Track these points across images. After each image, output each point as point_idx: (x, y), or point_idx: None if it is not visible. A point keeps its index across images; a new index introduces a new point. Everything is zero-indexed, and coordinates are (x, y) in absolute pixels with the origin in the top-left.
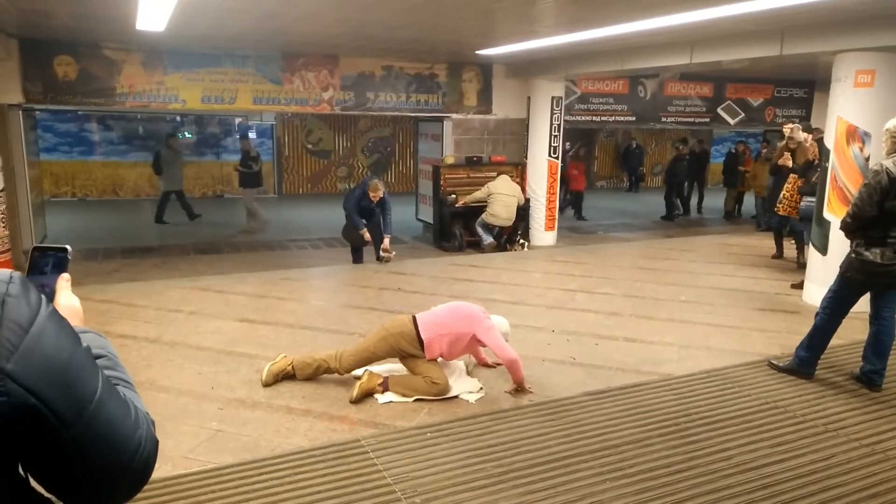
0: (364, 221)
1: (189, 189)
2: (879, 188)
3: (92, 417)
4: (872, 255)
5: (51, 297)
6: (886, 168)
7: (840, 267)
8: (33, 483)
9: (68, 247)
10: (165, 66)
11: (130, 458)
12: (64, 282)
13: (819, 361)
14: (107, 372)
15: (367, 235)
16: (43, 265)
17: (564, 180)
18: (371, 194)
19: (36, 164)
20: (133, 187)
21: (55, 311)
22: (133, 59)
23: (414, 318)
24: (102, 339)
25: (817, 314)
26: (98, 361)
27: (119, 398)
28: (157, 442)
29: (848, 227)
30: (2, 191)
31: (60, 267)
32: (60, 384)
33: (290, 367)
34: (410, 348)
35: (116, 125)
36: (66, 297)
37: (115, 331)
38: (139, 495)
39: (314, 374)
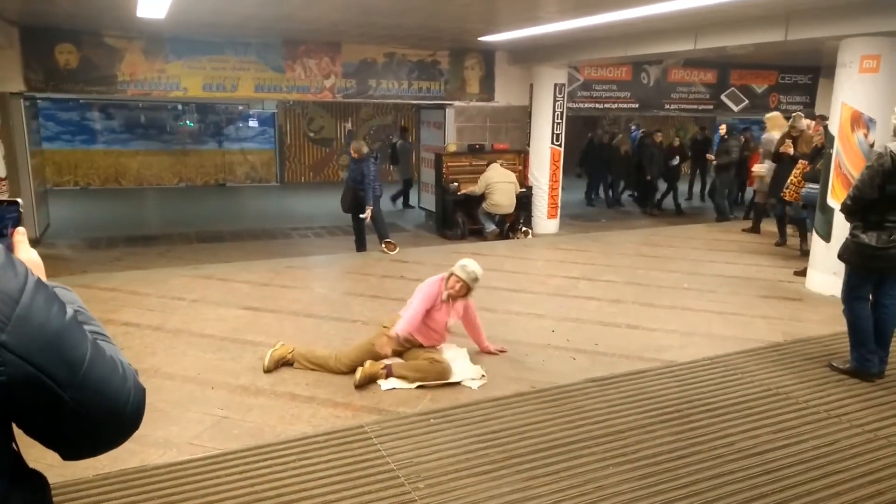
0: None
1: (191, 177)
2: (882, 171)
3: (85, 377)
4: (868, 238)
5: None
6: (891, 151)
7: (839, 252)
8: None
9: (19, 200)
10: (167, 54)
11: (122, 408)
12: (20, 236)
13: (873, 355)
14: (85, 328)
15: (349, 201)
16: (2, 227)
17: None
18: (351, 148)
19: (38, 152)
20: (135, 176)
21: (40, 279)
22: (134, 47)
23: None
24: (70, 293)
25: (843, 311)
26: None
27: (106, 356)
28: (143, 390)
29: (848, 210)
30: (4, 179)
31: (15, 224)
32: (54, 350)
33: (290, 355)
34: (405, 343)
35: (118, 113)
36: (25, 252)
37: (119, 318)
38: (149, 482)
39: (313, 368)
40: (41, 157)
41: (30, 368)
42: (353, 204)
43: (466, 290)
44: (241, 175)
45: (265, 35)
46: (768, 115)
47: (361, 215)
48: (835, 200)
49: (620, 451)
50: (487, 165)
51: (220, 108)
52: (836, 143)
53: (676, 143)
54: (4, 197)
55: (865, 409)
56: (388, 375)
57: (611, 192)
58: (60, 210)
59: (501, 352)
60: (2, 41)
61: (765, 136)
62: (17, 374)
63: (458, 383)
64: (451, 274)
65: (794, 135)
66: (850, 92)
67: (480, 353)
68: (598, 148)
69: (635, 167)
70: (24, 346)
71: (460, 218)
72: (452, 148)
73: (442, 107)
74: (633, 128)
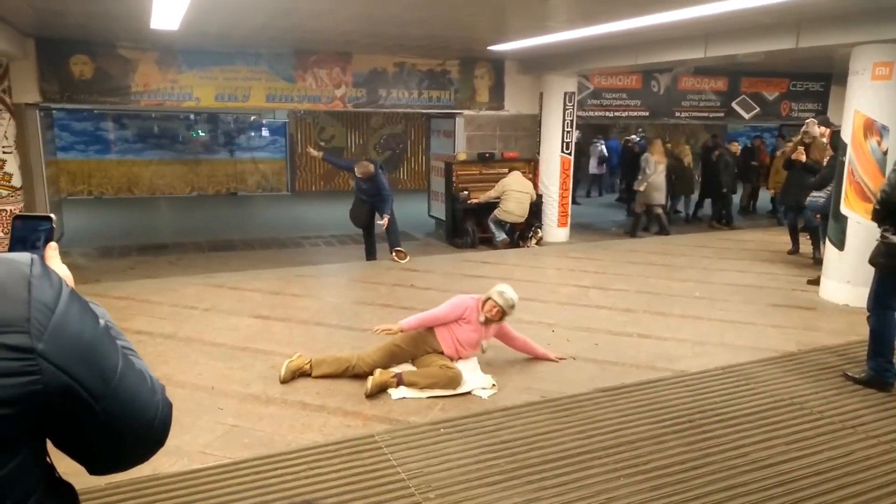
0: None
1: (203, 186)
2: None
3: (117, 389)
4: None
5: None
6: None
7: (869, 257)
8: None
9: (52, 215)
10: (179, 65)
11: (151, 421)
12: (52, 251)
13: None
14: (117, 342)
15: (365, 215)
16: (35, 240)
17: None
18: (357, 172)
19: (53, 162)
20: (148, 185)
21: (74, 290)
22: (148, 58)
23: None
24: (100, 308)
25: (868, 318)
26: None
27: (136, 368)
28: (170, 405)
29: (877, 215)
30: (20, 189)
31: (48, 239)
32: (87, 360)
33: (307, 366)
34: (431, 340)
35: (132, 124)
36: (57, 266)
37: (131, 327)
38: (160, 491)
39: (334, 371)
40: (56, 167)
41: (65, 378)
42: (370, 219)
43: (502, 315)
44: (252, 184)
45: (276, 45)
46: (651, 139)
47: (379, 221)
48: (848, 208)
49: (632, 462)
50: (509, 172)
51: (232, 117)
52: (849, 151)
53: (735, 148)
54: (37, 212)
55: (881, 419)
56: (398, 384)
57: (676, 207)
58: (74, 219)
59: (560, 359)
60: (17, 53)
61: (644, 156)
62: (53, 382)
63: (468, 393)
64: (489, 298)
65: (806, 141)
66: (863, 99)
67: (491, 363)
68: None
69: (707, 179)
70: (60, 354)
71: (470, 226)
72: (462, 157)
73: (452, 116)
74: (638, 136)
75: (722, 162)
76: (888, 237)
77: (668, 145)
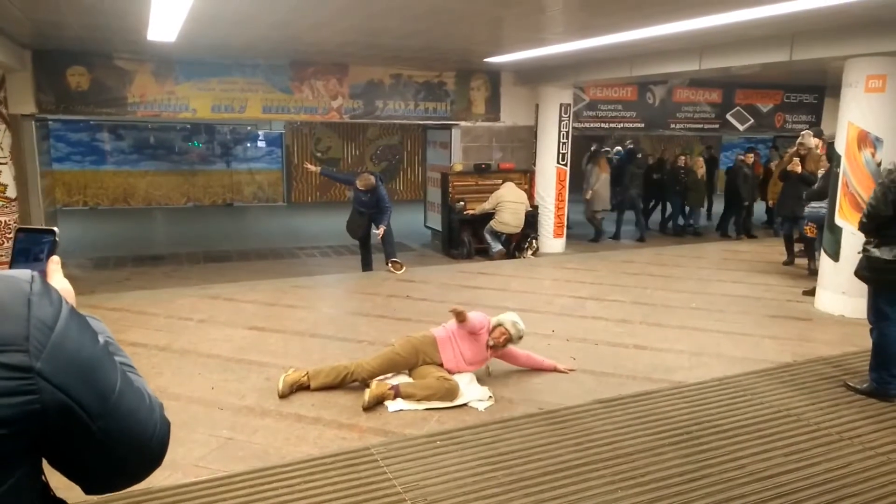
0: (334, 170)
1: (199, 197)
2: (894, 187)
3: (115, 408)
4: (881, 252)
5: None
6: None
7: (854, 270)
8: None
9: (56, 229)
10: (176, 76)
11: (149, 440)
12: (54, 265)
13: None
14: (115, 358)
15: (363, 227)
16: (38, 252)
17: None
18: (358, 184)
19: (48, 173)
20: (144, 196)
21: (73, 308)
22: (144, 69)
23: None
24: (100, 323)
25: (871, 331)
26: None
27: (134, 386)
28: (168, 423)
29: (865, 227)
30: (15, 200)
31: (51, 252)
32: (86, 379)
33: (304, 378)
34: (432, 351)
35: (127, 134)
36: (59, 281)
37: (126, 339)
38: None
39: (333, 381)
40: (51, 178)
41: (63, 397)
42: (367, 231)
43: (507, 343)
44: (248, 195)
45: (273, 57)
46: (598, 153)
47: (375, 231)
48: (842, 219)
49: (629, 474)
50: (502, 183)
51: (228, 128)
52: (843, 163)
53: (751, 159)
54: (40, 226)
55: (878, 430)
56: (395, 396)
57: (690, 220)
58: (69, 230)
59: (571, 370)
60: (14, 64)
61: (587, 167)
62: (51, 402)
63: (465, 405)
64: (500, 325)
65: (802, 152)
66: (857, 111)
67: (488, 375)
68: (673, 172)
69: (732, 191)
70: (59, 374)
71: (466, 237)
72: (458, 168)
73: (448, 127)
74: (625, 148)
75: (741, 174)
76: (869, 250)
77: (683, 158)
